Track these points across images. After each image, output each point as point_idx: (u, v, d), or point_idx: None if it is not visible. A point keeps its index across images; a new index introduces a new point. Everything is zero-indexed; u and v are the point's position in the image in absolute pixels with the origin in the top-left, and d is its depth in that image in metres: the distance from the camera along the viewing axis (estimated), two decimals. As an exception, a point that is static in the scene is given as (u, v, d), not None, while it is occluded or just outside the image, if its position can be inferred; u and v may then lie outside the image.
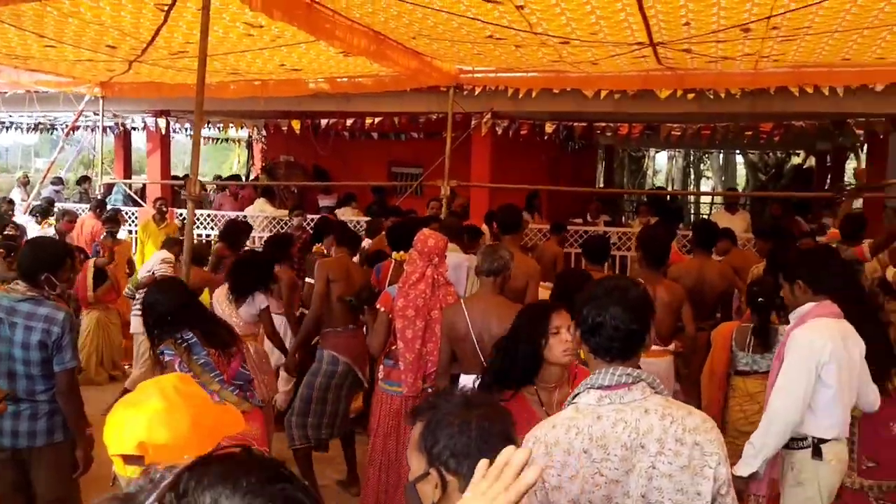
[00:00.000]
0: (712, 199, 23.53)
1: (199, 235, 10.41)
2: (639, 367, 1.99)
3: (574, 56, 6.31)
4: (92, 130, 12.98)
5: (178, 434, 1.75)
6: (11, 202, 9.88)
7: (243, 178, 16.87)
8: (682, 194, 25.80)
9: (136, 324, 6.01)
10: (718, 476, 1.90)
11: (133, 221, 11.33)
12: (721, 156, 28.40)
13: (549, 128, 9.80)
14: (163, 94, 8.97)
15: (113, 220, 8.58)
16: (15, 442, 3.54)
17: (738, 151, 24.78)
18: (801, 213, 10.91)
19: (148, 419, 1.78)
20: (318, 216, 9.24)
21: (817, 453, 3.28)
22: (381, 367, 4.42)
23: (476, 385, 3.05)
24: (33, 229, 8.63)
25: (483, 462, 1.19)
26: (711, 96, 8.04)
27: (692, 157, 30.53)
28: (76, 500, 3.72)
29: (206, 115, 12.44)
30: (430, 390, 4.19)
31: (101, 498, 1.02)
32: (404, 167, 13.39)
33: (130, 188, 13.48)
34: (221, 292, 5.02)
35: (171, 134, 12.86)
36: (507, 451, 1.17)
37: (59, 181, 14.07)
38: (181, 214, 10.60)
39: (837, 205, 10.00)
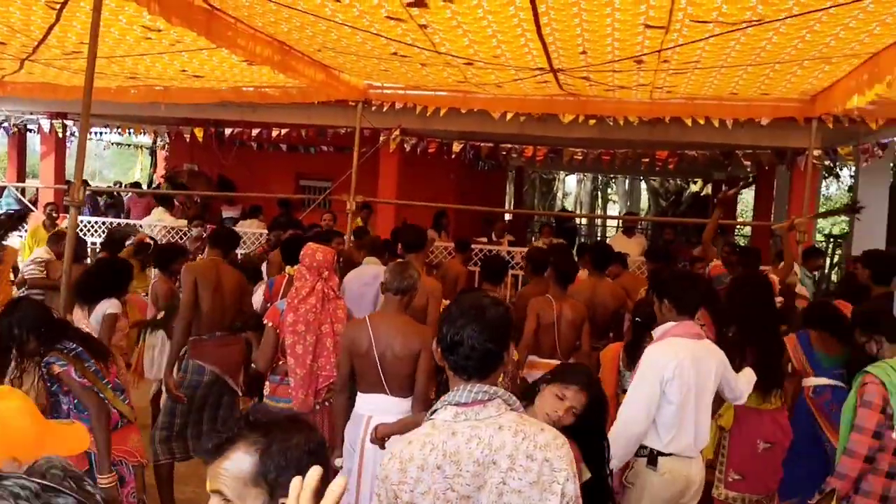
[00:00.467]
0: (618, 222, 24.27)
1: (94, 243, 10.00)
2: (496, 385, 2.02)
3: (478, 78, 6.42)
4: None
5: None
6: None
7: (144, 186, 16.35)
8: (587, 217, 26.49)
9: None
10: (566, 492, 1.94)
11: (24, 227, 10.79)
12: (626, 181, 29.36)
13: (456, 147, 9.92)
14: (59, 97, 8.59)
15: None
16: None
17: (641, 178, 25.70)
18: (699, 238, 11.37)
19: None
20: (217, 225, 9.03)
21: (652, 463, 3.41)
22: (267, 383, 4.32)
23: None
24: None
25: (296, 480, 1.21)
26: (611, 123, 8.30)
27: (600, 182, 31.50)
28: None
29: (107, 120, 12.04)
30: (326, 405, 4.14)
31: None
32: (313, 180, 13.26)
33: (24, 192, 12.84)
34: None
35: (70, 137, 12.34)
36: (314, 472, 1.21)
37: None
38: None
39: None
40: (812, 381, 4.47)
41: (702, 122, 7.40)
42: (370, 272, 5.80)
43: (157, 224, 10.44)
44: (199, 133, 10.98)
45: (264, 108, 9.55)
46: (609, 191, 33.31)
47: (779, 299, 6.03)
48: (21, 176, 13.53)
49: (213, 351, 4.93)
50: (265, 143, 11.68)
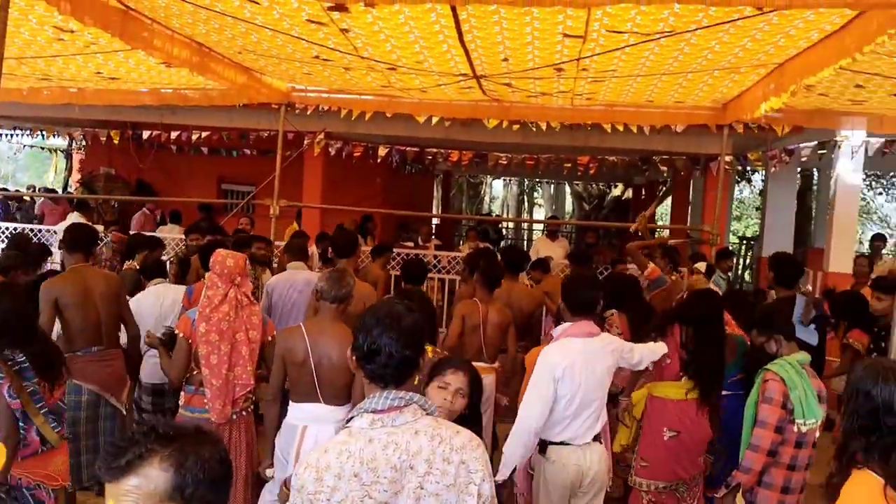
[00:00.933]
0: (544, 226, 24.70)
1: None
2: (411, 391, 2.04)
3: (402, 82, 6.44)
4: None
5: None
6: None
7: (60, 190, 15.75)
8: (512, 221, 26.78)
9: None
10: (482, 492, 1.98)
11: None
12: (552, 186, 29.89)
13: (381, 151, 9.92)
14: (-37, 99, 8.24)
15: None
16: None
17: (565, 182, 26.20)
18: (620, 240, 11.69)
19: None
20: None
21: (542, 451, 3.72)
22: (182, 393, 4.20)
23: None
24: None
25: None
26: (534, 128, 8.45)
27: (526, 186, 31.96)
28: None
29: (18, 122, 11.58)
30: (244, 414, 4.07)
31: None
32: (236, 185, 13.05)
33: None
34: None
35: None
36: None
37: None
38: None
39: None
40: None
41: (620, 128, 7.61)
42: (301, 278, 5.79)
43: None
44: (115, 136, 10.67)
45: (184, 111, 9.36)
46: (535, 195, 33.83)
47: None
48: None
49: (88, 368, 4.66)
50: (185, 146, 11.43)
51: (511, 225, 25.93)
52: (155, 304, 5.34)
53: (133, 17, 4.80)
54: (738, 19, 3.97)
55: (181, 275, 6.17)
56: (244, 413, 4.09)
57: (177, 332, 4.10)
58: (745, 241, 18.78)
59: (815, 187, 16.33)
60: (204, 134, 10.28)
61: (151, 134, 10.67)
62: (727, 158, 8.02)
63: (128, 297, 5.23)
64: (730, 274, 9.02)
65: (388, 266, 7.20)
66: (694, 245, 10.86)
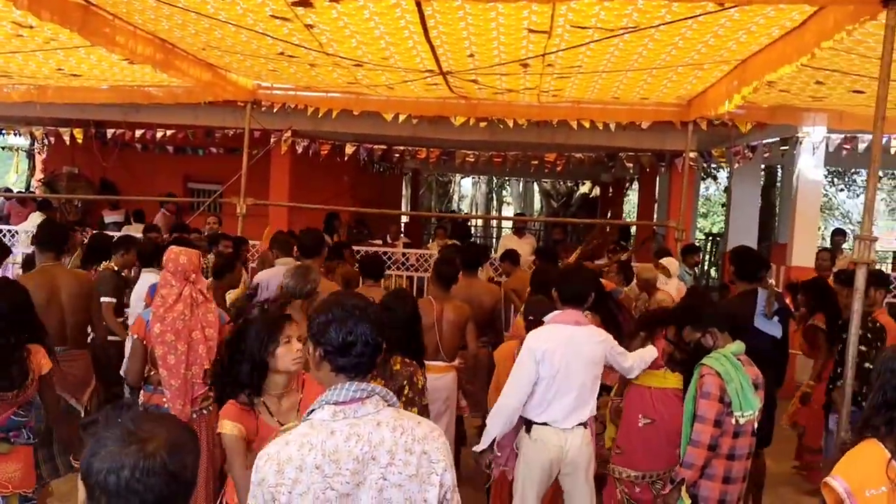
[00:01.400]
0: (513, 223, 24.83)
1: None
2: (374, 381, 2.04)
3: (369, 79, 6.42)
4: None
5: None
6: None
7: (23, 189, 15.44)
8: (481, 218, 26.86)
9: None
10: (444, 482, 1.99)
11: None
12: (520, 184, 30.02)
13: (349, 149, 9.87)
14: (-82, 96, 8.03)
15: None
16: None
17: (534, 180, 26.33)
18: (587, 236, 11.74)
19: None
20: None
21: (527, 430, 3.97)
22: (142, 392, 4.15)
23: None
24: None
25: None
26: (501, 126, 8.47)
27: (494, 184, 32.07)
28: None
29: (-25, 119, 11.34)
30: (203, 413, 4.02)
31: None
32: (202, 183, 12.89)
33: None
34: None
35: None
36: None
37: None
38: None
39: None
40: None
41: (587, 125, 7.66)
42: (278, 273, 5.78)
43: (34, 230, 9.88)
44: (78, 134, 10.49)
45: (148, 109, 9.23)
46: (504, 193, 33.95)
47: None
48: None
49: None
50: (150, 144, 11.27)
51: (480, 223, 26.00)
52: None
53: (94, 12, 4.72)
54: (700, 15, 4.02)
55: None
56: (204, 412, 4.04)
57: (132, 333, 4.03)
58: (711, 238, 19.03)
59: (779, 183, 16.60)
60: (169, 132, 10.15)
61: (115, 132, 10.51)
62: (692, 155, 8.11)
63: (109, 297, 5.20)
64: (696, 269, 9.14)
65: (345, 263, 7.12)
66: (660, 240, 10.98)
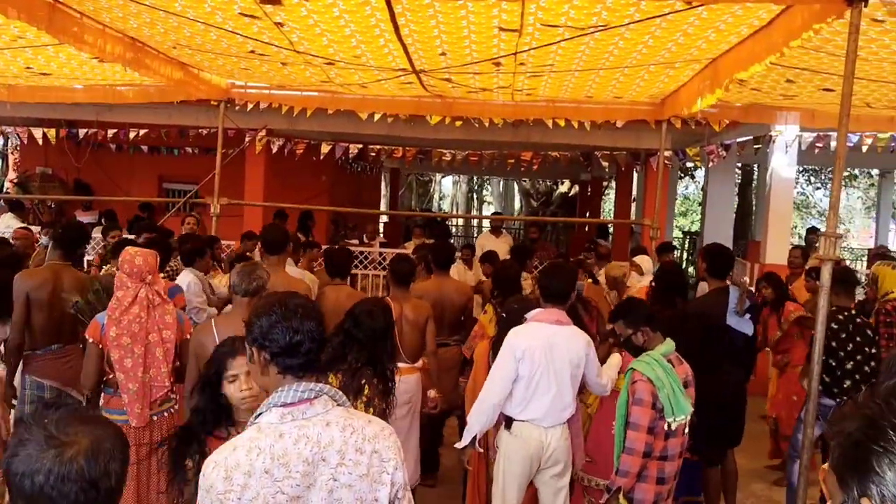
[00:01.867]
0: (490, 222, 24.91)
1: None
2: (322, 381, 2.02)
3: (342, 78, 6.39)
4: None
5: None
6: None
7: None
8: (460, 217, 26.89)
9: None
10: (395, 481, 1.98)
11: None
12: (500, 183, 30.09)
13: (325, 148, 9.82)
14: None
15: None
16: None
17: (514, 179, 26.41)
18: (566, 235, 11.79)
19: None
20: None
21: (508, 426, 4.00)
22: (102, 395, 4.08)
23: None
24: None
25: None
26: (477, 125, 8.47)
27: (475, 184, 32.12)
28: None
29: (-55, 119, 11.16)
30: (165, 415, 3.98)
31: None
32: (177, 183, 12.79)
33: None
34: None
35: None
36: None
37: None
38: None
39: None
40: None
41: (562, 124, 7.67)
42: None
43: (7, 231, 9.75)
44: (51, 134, 10.36)
45: (121, 108, 9.14)
46: (484, 193, 34.01)
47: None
48: None
49: (48, 365, 4.66)
50: (124, 144, 11.16)
51: (460, 222, 26.03)
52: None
53: (61, 10, 4.66)
54: (669, 13, 4.03)
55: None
56: (166, 414, 4.00)
57: (87, 337, 3.96)
58: (688, 236, 19.17)
59: (755, 182, 16.74)
60: (142, 132, 10.05)
61: (88, 132, 10.39)
62: (666, 153, 8.15)
63: None
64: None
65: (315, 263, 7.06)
66: (637, 238, 11.05)
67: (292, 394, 1.94)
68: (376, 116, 7.97)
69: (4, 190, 14.59)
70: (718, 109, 6.99)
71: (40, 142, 10.64)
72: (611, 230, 13.76)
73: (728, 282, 4.99)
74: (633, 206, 14.62)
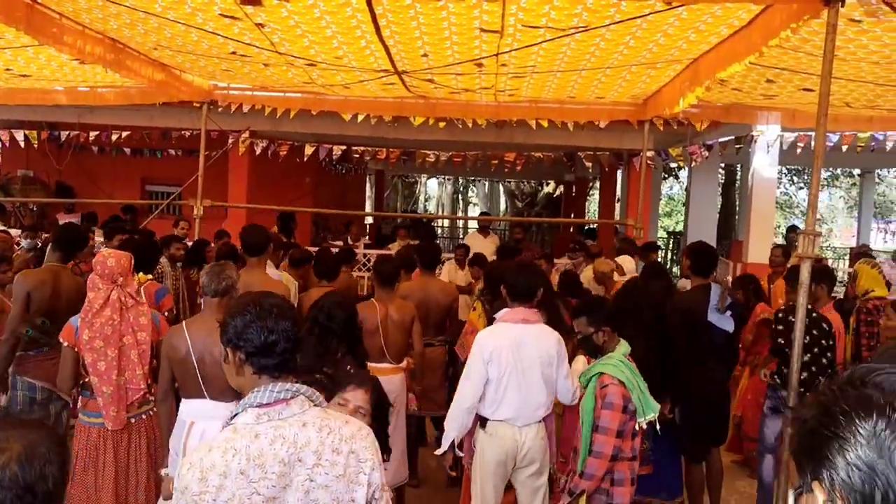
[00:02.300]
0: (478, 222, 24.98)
1: None
2: (296, 382, 2.01)
3: (324, 79, 6.38)
4: None
5: None
6: None
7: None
8: (447, 218, 26.89)
9: None
10: (372, 481, 1.97)
11: None
12: (486, 184, 30.15)
13: (308, 149, 9.80)
14: None
15: None
16: None
17: (499, 180, 26.47)
18: (551, 236, 11.81)
19: None
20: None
21: (483, 426, 4.00)
22: (80, 398, 4.06)
23: None
24: None
25: None
26: (461, 126, 8.47)
27: (460, 185, 32.16)
28: None
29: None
30: (143, 417, 3.96)
31: None
32: (160, 185, 12.74)
33: None
34: None
35: None
36: None
37: None
38: None
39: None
40: None
41: (545, 124, 7.69)
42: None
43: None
44: (32, 136, 10.28)
45: (102, 110, 9.09)
46: (470, 194, 34.07)
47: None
48: None
49: (40, 367, 4.65)
50: (106, 146, 11.09)
51: (446, 223, 26.05)
52: None
53: (40, 11, 4.62)
54: (649, 14, 4.06)
55: None
56: (144, 416, 3.97)
57: (62, 340, 3.93)
58: (673, 236, 19.27)
59: (738, 182, 16.85)
60: (124, 134, 9.99)
61: (70, 134, 10.32)
62: (649, 154, 8.19)
63: None
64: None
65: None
66: (623, 240, 11.08)
67: (268, 394, 1.92)
68: (360, 118, 7.95)
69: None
70: (700, 109, 7.02)
71: (22, 144, 10.57)
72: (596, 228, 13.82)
73: (711, 280, 5.02)
74: (618, 206, 14.69)
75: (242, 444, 1.87)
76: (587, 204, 19.63)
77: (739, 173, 17.12)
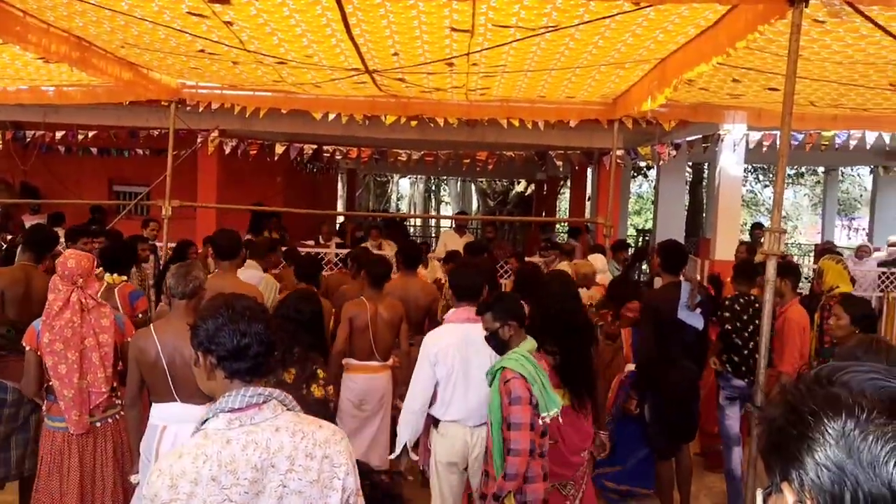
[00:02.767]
0: (451, 222, 25.01)
1: None
2: (271, 386, 1.98)
3: (294, 77, 6.34)
4: None
5: None
6: None
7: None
8: (419, 217, 26.89)
9: None
10: (347, 486, 1.95)
11: None
12: (458, 183, 30.18)
13: (279, 148, 9.73)
14: None
15: None
16: None
17: (470, 179, 26.52)
18: (522, 234, 11.85)
19: None
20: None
21: (435, 426, 4.04)
22: (45, 401, 4.00)
23: None
24: None
25: None
26: (432, 125, 8.47)
27: (432, 184, 32.16)
28: None
29: None
30: (109, 421, 3.91)
31: None
32: (128, 185, 12.57)
33: None
34: None
35: None
36: None
37: None
38: None
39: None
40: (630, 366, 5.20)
41: (516, 123, 7.72)
42: (244, 277, 5.69)
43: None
44: (-3, 136, 10.11)
45: (69, 109, 8.94)
46: (442, 192, 34.07)
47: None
48: None
49: (11, 367, 4.51)
50: (73, 146, 10.92)
51: (418, 222, 26.04)
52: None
53: (2, 8, 4.54)
54: (617, 14, 4.09)
55: None
56: (110, 420, 3.92)
57: (24, 344, 3.87)
58: (642, 234, 19.45)
59: (706, 180, 17.05)
60: (91, 133, 9.84)
61: (35, 134, 10.14)
62: (619, 153, 8.26)
63: None
64: (626, 264, 9.30)
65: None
66: (593, 237, 11.16)
67: (240, 399, 1.89)
68: (331, 116, 7.92)
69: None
70: (668, 109, 7.10)
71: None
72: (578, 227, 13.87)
73: (681, 277, 5.08)
74: (588, 204, 14.79)
75: (214, 449, 1.83)
76: (558, 202, 19.74)
77: (706, 172, 17.32)
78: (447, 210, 33.11)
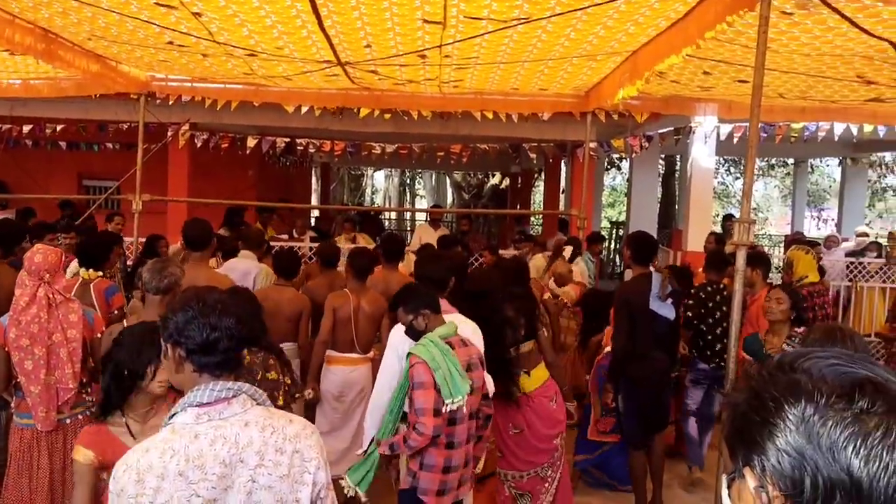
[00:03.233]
0: (426, 216, 24.99)
1: None
2: (240, 380, 1.96)
3: (265, 70, 6.28)
4: None
5: None
6: None
7: None
8: (394, 210, 26.83)
9: None
10: (317, 481, 1.93)
11: None
12: (433, 177, 30.16)
13: (251, 142, 9.64)
14: None
15: None
16: None
17: (445, 172, 26.51)
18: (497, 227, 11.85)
19: None
20: None
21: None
22: (13, 398, 3.94)
23: None
24: None
25: None
26: (406, 118, 8.44)
27: (407, 177, 32.11)
28: None
29: None
30: (79, 417, 3.85)
31: None
32: (98, 180, 12.40)
33: None
34: None
35: None
36: None
37: None
38: None
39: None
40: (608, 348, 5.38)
41: (490, 116, 7.72)
42: (241, 268, 5.77)
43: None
44: (-39, 131, 9.91)
45: (36, 103, 8.79)
46: (416, 186, 34.04)
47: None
48: None
49: None
50: (41, 140, 10.74)
51: (393, 215, 25.99)
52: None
53: (-36, 0, 4.46)
54: (589, 6, 4.10)
55: None
56: (80, 416, 3.86)
57: None
58: (615, 226, 19.58)
59: (678, 172, 17.19)
60: (59, 127, 9.68)
61: (2, 128, 9.95)
62: (592, 145, 8.29)
63: None
64: (601, 256, 9.38)
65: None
66: (567, 231, 11.21)
67: (209, 393, 1.87)
68: (303, 109, 7.86)
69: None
70: (640, 101, 7.13)
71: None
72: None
73: (652, 268, 5.12)
74: (562, 197, 14.85)
75: (181, 444, 1.81)
76: (533, 195, 19.80)
77: (679, 164, 17.46)
78: (422, 203, 33.09)
